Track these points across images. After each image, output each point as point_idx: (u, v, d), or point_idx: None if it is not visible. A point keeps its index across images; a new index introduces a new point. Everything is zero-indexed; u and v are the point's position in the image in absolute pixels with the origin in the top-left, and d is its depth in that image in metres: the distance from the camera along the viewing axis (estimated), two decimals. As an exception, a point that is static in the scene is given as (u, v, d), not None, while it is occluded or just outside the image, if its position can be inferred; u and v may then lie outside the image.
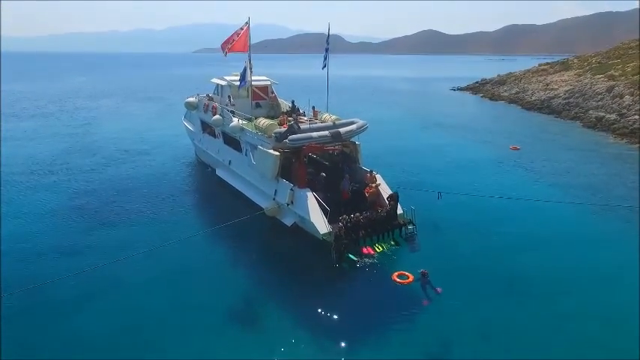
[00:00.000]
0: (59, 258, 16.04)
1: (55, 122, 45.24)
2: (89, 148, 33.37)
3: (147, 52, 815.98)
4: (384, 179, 19.23)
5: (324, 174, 18.91)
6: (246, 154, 21.30)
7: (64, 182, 25.03)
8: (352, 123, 19.44)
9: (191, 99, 27.90)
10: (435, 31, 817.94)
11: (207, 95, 27.28)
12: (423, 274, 13.65)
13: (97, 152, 32.17)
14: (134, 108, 57.74)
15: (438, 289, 13.52)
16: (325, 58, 21.32)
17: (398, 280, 14.27)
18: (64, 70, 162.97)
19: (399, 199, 17.97)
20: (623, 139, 36.49)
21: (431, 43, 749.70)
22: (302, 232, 17.71)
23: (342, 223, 16.08)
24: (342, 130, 18.63)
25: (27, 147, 33.55)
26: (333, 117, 20.80)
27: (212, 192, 24.15)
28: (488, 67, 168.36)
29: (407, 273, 14.52)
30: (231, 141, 22.92)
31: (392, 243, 17.01)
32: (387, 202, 17.64)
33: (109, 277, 14.47)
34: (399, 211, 17.81)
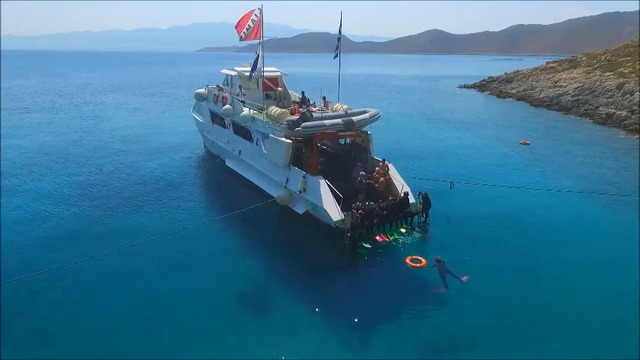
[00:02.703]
0: (71, 244, 16.02)
1: (64, 115, 45.45)
2: (99, 140, 33.47)
3: (152, 50, 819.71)
4: (395, 169, 19.11)
5: (363, 172, 18.08)
6: (257, 144, 21.24)
7: (74, 172, 25.08)
8: (365, 112, 19.33)
9: (201, 90, 27.89)
10: (440, 30, 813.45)
11: (217, 86, 27.25)
12: (438, 261, 13.53)
13: (107, 144, 32.26)
14: (142, 102, 57.96)
15: (464, 278, 13.33)
16: (337, 47, 21.23)
17: (411, 264, 14.26)
18: (72, 66, 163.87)
19: (412, 190, 17.99)
20: (634, 134, 36.16)
21: (436, 42, 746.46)
22: (314, 219, 17.63)
23: (355, 209, 15.96)
24: (354, 118, 18.52)
25: (37, 138, 33.68)
26: (345, 106, 20.69)
27: (222, 182, 24.12)
28: (495, 66, 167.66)
29: (420, 257, 14.51)
30: (242, 131, 22.86)
31: (404, 230, 16.93)
32: (421, 199, 17.55)
33: (119, 264, 14.46)
34: (411, 200, 17.73)
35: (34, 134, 35.20)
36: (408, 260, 14.49)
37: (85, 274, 13.78)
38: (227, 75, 26.84)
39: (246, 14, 20.55)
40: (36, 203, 19.98)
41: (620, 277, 14.02)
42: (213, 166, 26.98)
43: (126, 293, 13.03)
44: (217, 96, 25.53)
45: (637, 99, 42.52)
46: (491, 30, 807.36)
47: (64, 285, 13.28)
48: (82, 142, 32.86)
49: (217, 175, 25.22)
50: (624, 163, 27.81)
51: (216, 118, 26.35)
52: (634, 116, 39.75)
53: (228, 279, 13.99)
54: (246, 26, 20.14)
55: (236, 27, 20.58)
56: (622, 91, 46.16)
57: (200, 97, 28.02)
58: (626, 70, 52.31)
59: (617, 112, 42.16)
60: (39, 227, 17.40)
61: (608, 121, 41.79)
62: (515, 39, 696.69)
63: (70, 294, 12.91)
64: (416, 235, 16.97)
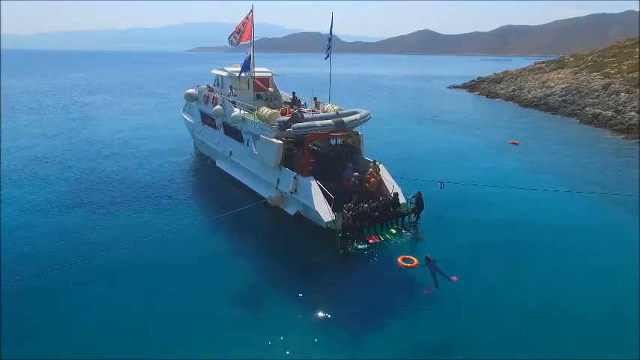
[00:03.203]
0: (61, 248, 15.85)
1: (53, 116, 44.86)
2: (88, 141, 33.11)
3: (144, 50, 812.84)
4: (386, 169, 19.23)
5: (357, 173, 18.20)
6: (247, 145, 21.22)
7: (63, 174, 24.79)
8: (355, 113, 19.41)
9: (191, 90, 27.74)
10: (431, 31, 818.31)
11: (208, 86, 27.16)
12: (428, 259, 13.64)
13: (96, 145, 31.93)
14: (132, 102, 57.45)
15: (453, 278, 13.45)
16: (329, 48, 21.32)
17: (403, 264, 14.38)
18: (63, 66, 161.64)
19: (403, 191, 18.13)
20: (620, 134, 36.85)
21: (426, 43, 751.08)
22: (305, 220, 17.66)
23: (347, 211, 16.02)
24: (345, 119, 18.58)
25: (26, 140, 33.19)
26: (336, 107, 20.78)
27: (212, 183, 24.04)
28: (484, 67, 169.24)
29: (412, 257, 14.64)
30: (232, 132, 22.81)
31: (394, 231, 17.05)
32: (415, 200, 17.69)
33: (109, 267, 14.34)
34: (402, 200, 17.86)
35: (22, 137, 34.67)
36: (400, 260, 14.62)
37: (75, 278, 13.64)
38: (217, 75, 26.75)
39: (244, 19, 20.62)
40: (24, 207, 19.67)
41: (610, 275, 14.28)
42: (203, 167, 26.87)
43: (117, 296, 12.94)
44: (208, 96, 25.43)
45: (622, 99, 43.32)
46: (480, 30, 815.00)
47: (53, 288, 13.14)
48: (71, 143, 32.46)
49: (208, 176, 25.12)
50: (610, 163, 28.33)
51: (207, 119, 26.25)
52: (619, 116, 40.49)
53: (220, 281, 13.94)
54: (237, 30, 20.21)
55: (230, 37, 20.72)
56: (608, 91, 46.99)
57: (190, 98, 27.88)
58: (612, 71, 53.25)
59: (603, 112, 42.90)
60: (28, 231, 17.14)
61: (594, 121, 42.50)
62: (504, 39, 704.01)
63: (61, 297, 12.79)
64: (407, 235, 17.11)
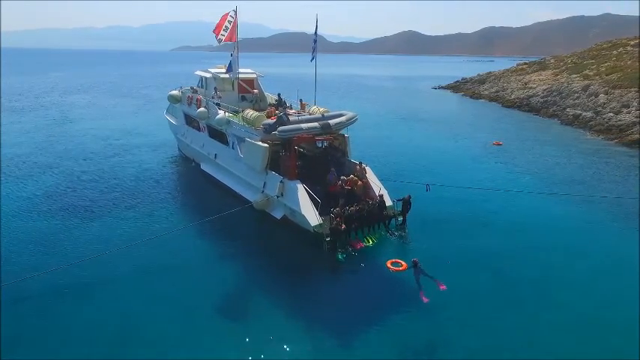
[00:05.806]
0: (41, 253, 15.38)
1: (32, 117, 43.58)
2: (69, 143, 32.27)
3: (124, 49, 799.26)
4: (372, 172, 19.18)
5: (344, 177, 18.09)
6: (233, 147, 20.93)
7: (43, 178, 24.06)
8: (341, 115, 19.30)
9: (174, 92, 27.27)
10: (415, 32, 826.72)
11: (192, 88, 26.73)
12: (415, 263, 13.64)
13: (77, 148, 31.14)
14: (114, 103, 56.32)
15: (442, 287, 13.36)
16: (314, 50, 21.18)
17: (392, 267, 14.34)
18: (40, 65, 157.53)
19: (389, 193, 18.14)
20: (599, 135, 37.64)
21: (411, 43, 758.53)
22: (292, 224, 17.48)
23: (334, 215, 15.91)
24: (331, 121, 18.44)
25: (6, 141, 32.11)
26: (322, 109, 20.63)
27: (197, 187, 23.64)
28: (468, 68, 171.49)
29: (400, 261, 14.62)
30: (217, 134, 22.49)
31: (380, 235, 17.01)
32: (403, 204, 17.65)
33: (92, 272, 13.98)
34: (389, 203, 17.83)
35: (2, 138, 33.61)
36: (388, 264, 14.59)
37: (56, 284, 13.26)
38: (202, 77, 26.35)
39: (222, 17, 20.31)
40: (2, 211, 19.01)
41: (595, 274, 14.53)
42: (187, 169, 26.43)
43: (99, 302, 12.61)
44: (191, 98, 25.02)
45: (601, 101, 44.32)
46: (464, 32, 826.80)
47: (34, 295, 12.76)
48: (51, 146, 31.56)
49: (192, 179, 24.70)
50: (591, 165, 28.79)
51: (191, 121, 25.84)
52: (598, 117, 41.41)
53: (205, 285, 13.70)
54: (223, 27, 19.95)
55: (214, 31, 20.36)
56: (587, 92, 48.03)
57: (174, 99, 27.41)
58: (591, 73, 54.49)
59: (583, 114, 43.82)
60: (7, 236, 16.54)
61: (575, 121, 43.37)
62: (488, 41, 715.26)
63: (42, 304, 12.44)
64: (394, 238, 17.09)
